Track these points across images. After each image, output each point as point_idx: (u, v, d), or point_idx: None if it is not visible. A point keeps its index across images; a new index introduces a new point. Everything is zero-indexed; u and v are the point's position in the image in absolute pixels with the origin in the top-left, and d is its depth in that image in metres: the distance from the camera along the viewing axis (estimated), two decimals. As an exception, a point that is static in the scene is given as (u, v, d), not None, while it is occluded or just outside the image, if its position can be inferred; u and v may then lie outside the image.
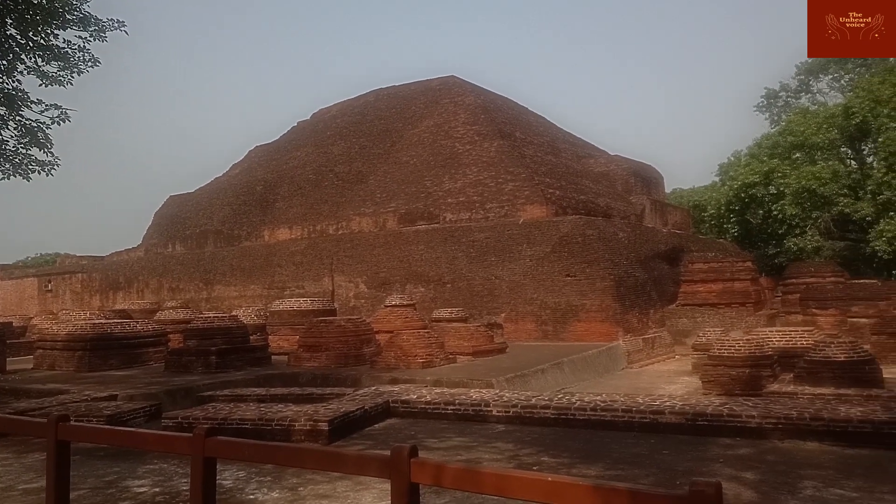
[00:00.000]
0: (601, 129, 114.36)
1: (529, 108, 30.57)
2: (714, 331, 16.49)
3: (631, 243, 21.42)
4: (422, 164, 25.08)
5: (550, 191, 22.23)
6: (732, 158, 43.20)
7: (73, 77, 12.06)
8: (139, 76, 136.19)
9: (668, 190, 37.39)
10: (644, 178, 29.86)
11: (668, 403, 7.26)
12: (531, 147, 25.25)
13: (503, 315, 19.56)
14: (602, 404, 7.36)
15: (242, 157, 33.24)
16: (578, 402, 7.50)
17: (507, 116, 26.95)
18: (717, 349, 12.15)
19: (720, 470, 5.45)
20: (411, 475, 2.70)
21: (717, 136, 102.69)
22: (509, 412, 7.65)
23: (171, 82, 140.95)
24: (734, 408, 6.86)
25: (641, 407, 7.16)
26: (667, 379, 14.72)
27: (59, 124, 12.02)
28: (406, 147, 26.45)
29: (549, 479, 2.53)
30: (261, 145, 32.95)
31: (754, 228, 36.81)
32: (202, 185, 32.82)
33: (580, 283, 18.78)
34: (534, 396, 8.11)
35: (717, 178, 43.98)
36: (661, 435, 6.76)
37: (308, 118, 32.69)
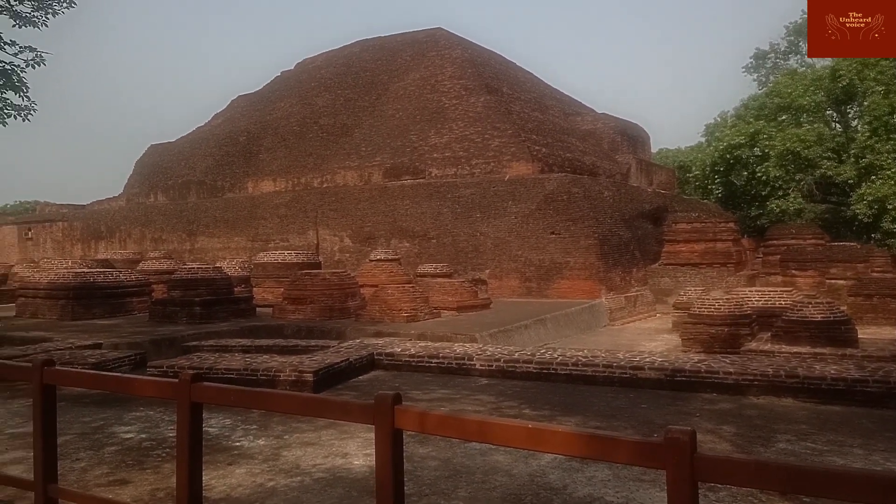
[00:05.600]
0: (588, 86, 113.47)
1: (517, 64, 30.21)
2: (695, 290, 16.71)
3: (616, 202, 21.49)
4: (407, 118, 24.82)
5: (537, 148, 22.14)
6: (719, 119, 43.20)
7: (47, 18, 11.73)
8: (120, 21, 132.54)
9: (654, 149, 37.37)
10: (630, 137, 29.80)
11: (647, 359, 7.38)
12: (518, 103, 25.03)
13: (488, 271, 19.66)
14: (583, 359, 7.48)
15: (225, 106, 32.68)
16: (560, 357, 7.61)
17: (495, 71, 26.62)
18: (698, 308, 12.35)
19: (697, 423, 5.58)
20: (395, 421, 2.73)
21: (704, 96, 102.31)
22: (492, 366, 7.75)
23: (152, 29, 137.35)
24: (712, 364, 7.00)
25: (622, 362, 7.28)
26: (647, 336, 14.96)
27: (33, 67, 11.74)
28: (392, 100, 26.12)
29: (530, 425, 2.58)
30: (244, 95, 32.36)
31: (738, 190, 37.02)
32: (184, 135, 32.31)
33: (564, 240, 18.87)
34: (517, 351, 8.21)
35: (703, 139, 44.06)
36: (641, 390, 6.90)
37: (292, 68, 32.07)
